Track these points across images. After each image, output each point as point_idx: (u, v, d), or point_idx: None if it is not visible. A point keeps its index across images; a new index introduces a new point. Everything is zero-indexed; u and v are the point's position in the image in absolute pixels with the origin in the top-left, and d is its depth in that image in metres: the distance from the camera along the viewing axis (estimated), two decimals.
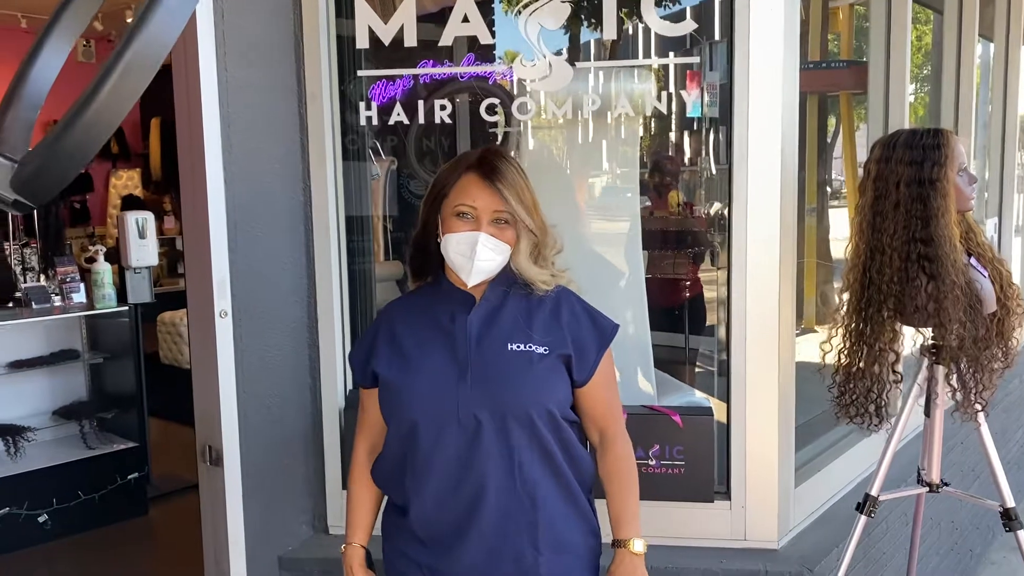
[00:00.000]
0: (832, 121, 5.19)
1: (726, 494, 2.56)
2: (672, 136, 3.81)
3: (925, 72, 4.57)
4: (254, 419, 2.53)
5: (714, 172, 3.15)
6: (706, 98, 2.75)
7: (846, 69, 4.62)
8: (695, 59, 2.61)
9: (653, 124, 3.21)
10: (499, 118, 2.69)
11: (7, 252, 4.61)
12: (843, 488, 2.86)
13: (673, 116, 2.90)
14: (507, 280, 1.68)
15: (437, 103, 2.59)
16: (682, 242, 3.78)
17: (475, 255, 1.59)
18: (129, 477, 4.23)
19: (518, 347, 1.62)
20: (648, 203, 3.72)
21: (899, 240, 2.28)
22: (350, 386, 2.73)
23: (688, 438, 2.53)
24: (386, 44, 2.57)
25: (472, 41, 2.64)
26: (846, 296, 2.41)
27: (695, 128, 3.40)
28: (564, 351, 1.64)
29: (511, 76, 2.69)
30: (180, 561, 3.71)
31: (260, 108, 2.50)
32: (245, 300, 2.48)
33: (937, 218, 2.23)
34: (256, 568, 2.56)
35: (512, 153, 3.21)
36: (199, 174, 2.39)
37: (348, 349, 2.71)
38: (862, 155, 4.88)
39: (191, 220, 2.47)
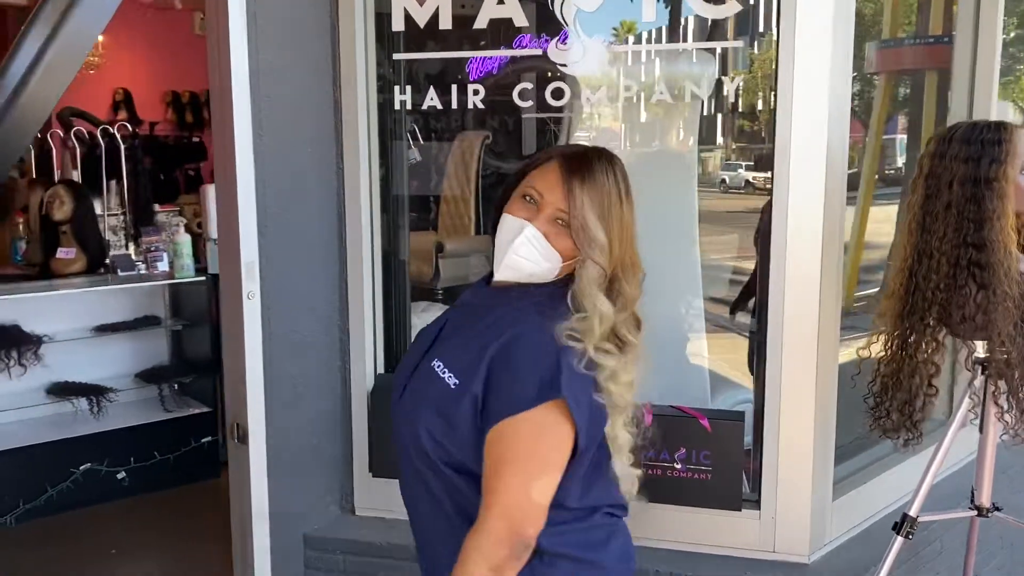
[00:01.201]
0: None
1: (756, 503, 2.44)
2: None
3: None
4: (281, 399, 2.57)
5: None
6: None
7: (929, 46, 4.27)
8: (739, 44, 2.46)
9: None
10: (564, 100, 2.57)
11: (103, 223, 4.83)
12: (889, 505, 2.68)
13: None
14: (535, 299, 1.38)
15: (477, 87, 2.54)
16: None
17: (512, 247, 1.37)
18: (202, 440, 4.38)
19: (438, 368, 1.39)
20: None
21: (948, 244, 2.09)
22: (380, 370, 2.73)
23: (716, 443, 2.42)
24: (421, 26, 2.53)
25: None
26: (889, 301, 2.23)
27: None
28: (475, 391, 1.33)
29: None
30: None
31: (293, 91, 2.50)
32: (274, 283, 2.51)
33: (992, 221, 2.03)
34: (281, 545, 2.61)
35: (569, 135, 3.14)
36: (229, 156, 2.42)
37: (379, 333, 2.72)
38: None
39: (223, 202, 2.51)
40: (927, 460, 2.30)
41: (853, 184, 3.87)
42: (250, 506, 2.56)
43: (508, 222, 1.40)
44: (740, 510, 2.44)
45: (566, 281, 1.40)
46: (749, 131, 3.75)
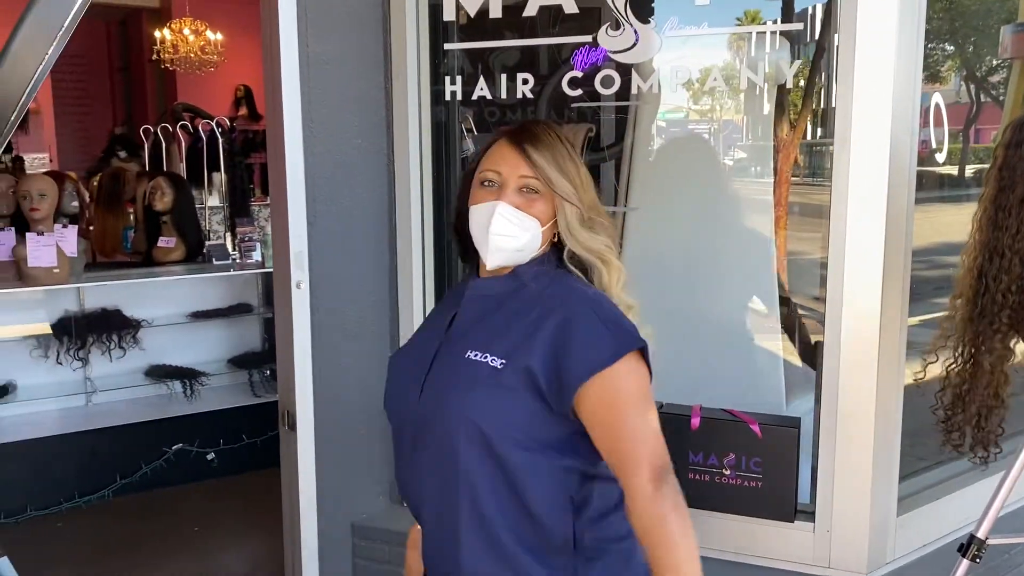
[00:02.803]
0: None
1: (811, 515, 2.30)
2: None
3: None
4: (330, 388, 2.59)
5: None
6: None
7: None
8: (798, 26, 2.31)
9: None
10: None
11: (204, 215, 5.04)
12: (963, 526, 2.46)
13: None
14: (540, 270, 1.40)
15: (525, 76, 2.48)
16: None
17: (491, 231, 1.36)
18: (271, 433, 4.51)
19: (475, 356, 1.35)
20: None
21: (1022, 242, 1.90)
22: None
23: (767, 450, 2.29)
24: (471, 15, 2.49)
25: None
26: (958, 303, 2.05)
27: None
28: (528, 364, 1.31)
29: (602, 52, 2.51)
30: None
31: (343, 82, 2.51)
32: (324, 272, 2.53)
33: None
34: (329, 533, 2.64)
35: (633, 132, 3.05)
36: (279, 147, 2.45)
37: None
38: None
39: (275, 192, 2.55)
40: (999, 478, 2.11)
41: (957, 182, 3.58)
42: (298, 493, 2.61)
43: (477, 211, 1.40)
44: (793, 521, 2.30)
45: (558, 254, 1.42)
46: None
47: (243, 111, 8.55)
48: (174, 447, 4.26)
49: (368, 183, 2.60)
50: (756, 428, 2.29)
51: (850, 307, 2.18)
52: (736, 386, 2.76)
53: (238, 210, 4.92)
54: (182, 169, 5.24)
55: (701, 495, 2.35)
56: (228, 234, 4.97)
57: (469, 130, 2.81)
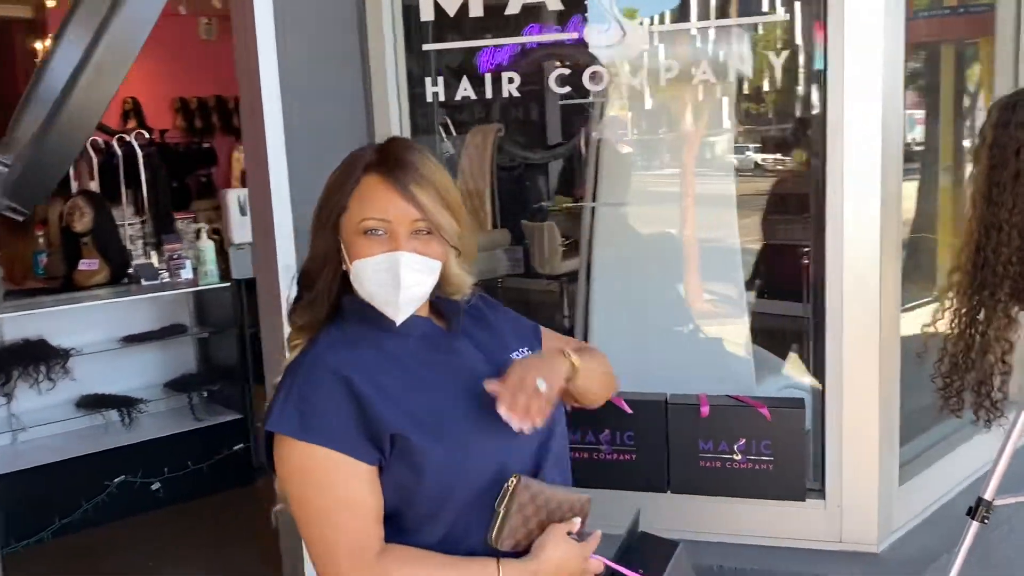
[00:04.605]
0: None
1: (820, 492, 2.36)
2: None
3: None
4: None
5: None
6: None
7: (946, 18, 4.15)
8: (784, 17, 2.37)
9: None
10: (601, 86, 2.48)
11: (124, 232, 4.78)
12: (956, 487, 2.59)
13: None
14: (471, 301, 1.39)
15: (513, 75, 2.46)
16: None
17: (400, 282, 1.23)
18: (235, 448, 4.34)
19: (518, 353, 1.37)
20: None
21: (1019, 215, 2.00)
22: None
23: (777, 432, 2.34)
24: (451, 15, 2.45)
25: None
26: (956, 277, 2.15)
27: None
28: (535, 343, 1.45)
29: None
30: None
31: (322, 87, 2.43)
32: None
33: None
34: None
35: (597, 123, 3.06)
36: (261, 157, 2.35)
37: None
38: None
39: (257, 205, 2.45)
40: (1000, 441, 2.22)
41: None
42: None
43: (371, 266, 1.25)
44: (804, 500, 2.36)
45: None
46: (755, 113, 3.64)
47: (132, 123, 8.19)
48: (116, 480, 4.04)
49: None
50: (765, 411, 2.33)
51: (851, 284, 2.25)
52: (710, 373, 2.81)
53: (163, 227, 4.69)
54: (93, 187, 4.96)
55: (713, 482, 2.38)
56: (152, 252, 4.73)
57: (449, 132, 2.76)
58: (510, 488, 1.20)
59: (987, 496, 2.17)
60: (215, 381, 4.50)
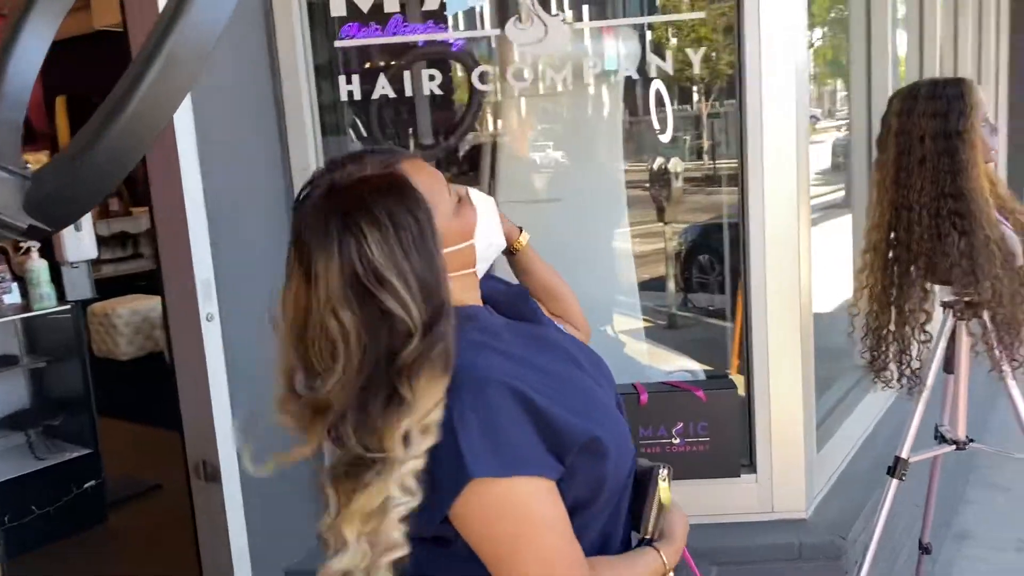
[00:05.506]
0: None
1: (751, 467, 2.48)
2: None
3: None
4: (250, 429, 2.32)
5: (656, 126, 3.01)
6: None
7: None
8: (701, 15, 2.46)
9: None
10: (490, 87, 2.50)
11: None
12: (854, 447, 2.82)
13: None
14: None
15: (426, 73, 2.39)
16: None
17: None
18: (85, 485, 3.94)
19: (541, 308, 1.33)
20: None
21: (927, 196, 2.20)
22: None
23: (712, 413, 2.43)
24: (364, 11, 2.35)
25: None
26: (869, 257, 2.33)
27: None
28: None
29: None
30: (145, 566, 3.54)
31: (232, 88, 2.25)
32: (231, 300, 2.26)
33: (967, 171, 2.16)
34: None
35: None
36: (172, 161, 2.15)
37: None
38: None
39: (165, 217, 2.23)
40: (888, 400, 2.44)
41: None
42: (228, 550, 2.32)
43: (483, 223, 1.18)
44: (739, 476, 2.47)
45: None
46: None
47: None
48: None
49: (267, 196, 2.36)
50: (701, 394, 2.42)
51: (774, 270, 2.37)
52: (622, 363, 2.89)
53: None
54: None
55: None
56: None
57: (359, 134, 2.64)
58: (657, 476, 1.18)
59: (904, 455, 2.37)
60: (54, 415, 4.06)
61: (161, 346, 5.34)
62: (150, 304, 5.59)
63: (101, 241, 5.97)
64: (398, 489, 0.99)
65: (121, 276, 6.36)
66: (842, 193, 4.27)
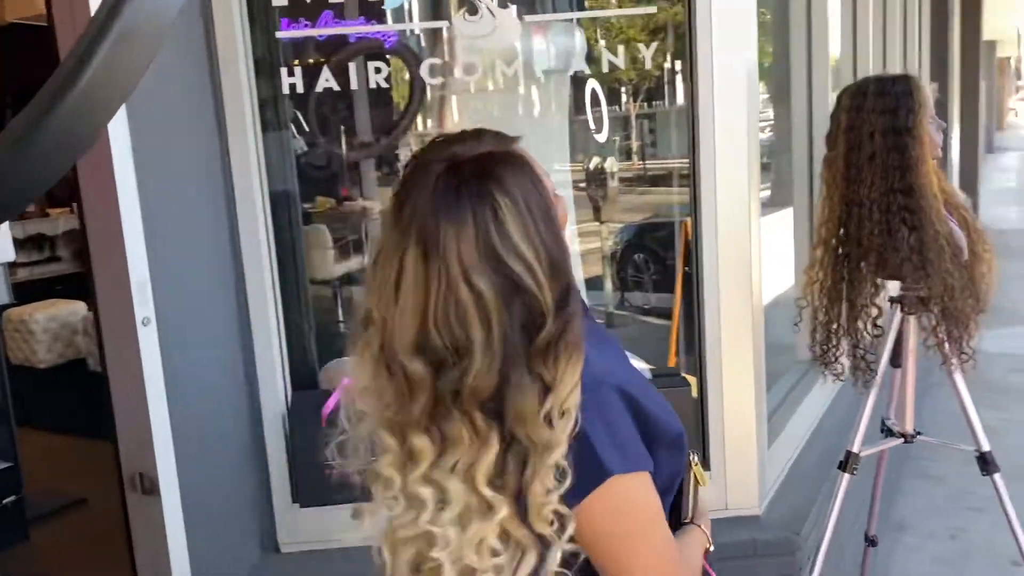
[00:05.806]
0: None
1: (705, 465, 2.47)
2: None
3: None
4: (189, 438, 2.21)
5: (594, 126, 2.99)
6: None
7: None
8: (652, 9, 2.44)
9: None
10: (437, 79, 2.44)
11: None
12: (801, 442, 2.84)
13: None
14: None
15: (372, 66, 2.31)
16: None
17: None
18: (4, 501, 3.73)
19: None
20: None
21: (877, 192, 2.21)
22: (290, 389, 2.44)
23: None
24: (308, 1, 2.26)
25: None
26: (819, 252, 2.33)
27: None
28: None
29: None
30: None
31: (169, 79, 2.13)
32: (167, 303, 2.14)
33: (916, 167, 2.18)
34: None
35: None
36: (104, 156, 2.02)
37: (286, 348, 2.42)
38: None
39: (96, 215, 2.10)
40: (832, 394, 2.45)
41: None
42: (168, 565, 2.20)
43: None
44: None
45: None
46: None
47: None
48: None
49: (204, 194, 2.25)
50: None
51: (726, 270, 2.36)
52: None
53: None
54: None
55: None
56: None
57: (300, 127, 2.54)
58: (690, 461, 1.19)
59: (855, 449, 2.39)
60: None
61: (83, 353, 5.11)
62: (70, 309, 5.34)
63: (16, 244, 5.71)
64: (552, 474, 0.97)
65: (38, 280, 6.08)
66: (769, 192, 4.33)
